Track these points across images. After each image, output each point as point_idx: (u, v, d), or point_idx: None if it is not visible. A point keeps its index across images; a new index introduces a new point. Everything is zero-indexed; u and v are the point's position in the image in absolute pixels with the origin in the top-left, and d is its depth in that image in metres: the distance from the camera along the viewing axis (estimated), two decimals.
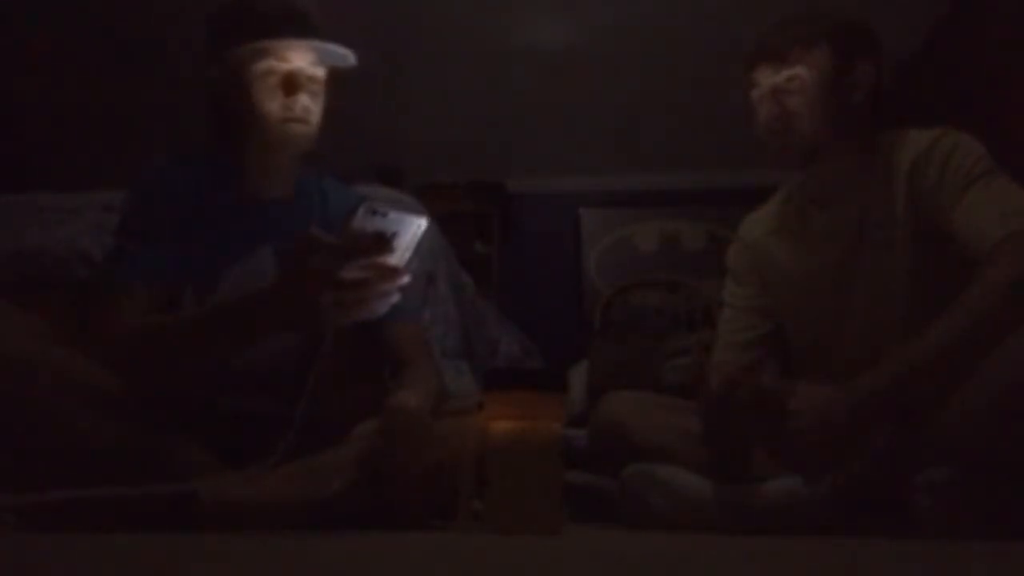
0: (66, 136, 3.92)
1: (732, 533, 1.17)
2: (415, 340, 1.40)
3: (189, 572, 0.63)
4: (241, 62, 1.25)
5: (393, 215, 1.02)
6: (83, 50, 3.48)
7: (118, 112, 3.80)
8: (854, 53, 1.36)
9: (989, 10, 2.84)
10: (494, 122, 3.91)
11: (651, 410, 1.42)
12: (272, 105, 1.26)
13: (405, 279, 1.02)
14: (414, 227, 1.02)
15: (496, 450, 1.05)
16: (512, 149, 4.16)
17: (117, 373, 1.11)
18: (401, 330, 1.36)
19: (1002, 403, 1.07)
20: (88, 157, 3.66)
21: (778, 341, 1.48)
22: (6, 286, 1.83)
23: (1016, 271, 1.13)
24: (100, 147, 3.81)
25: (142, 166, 1.33)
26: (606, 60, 3.51)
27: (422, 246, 1.08)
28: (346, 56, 1.29)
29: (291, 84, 1.26)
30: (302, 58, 1.27)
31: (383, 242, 1.00)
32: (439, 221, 2.14)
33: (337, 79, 1.34)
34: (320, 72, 1.31)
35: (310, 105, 1.29)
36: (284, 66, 1.26)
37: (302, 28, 1.27)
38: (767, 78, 1.37)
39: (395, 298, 1.03)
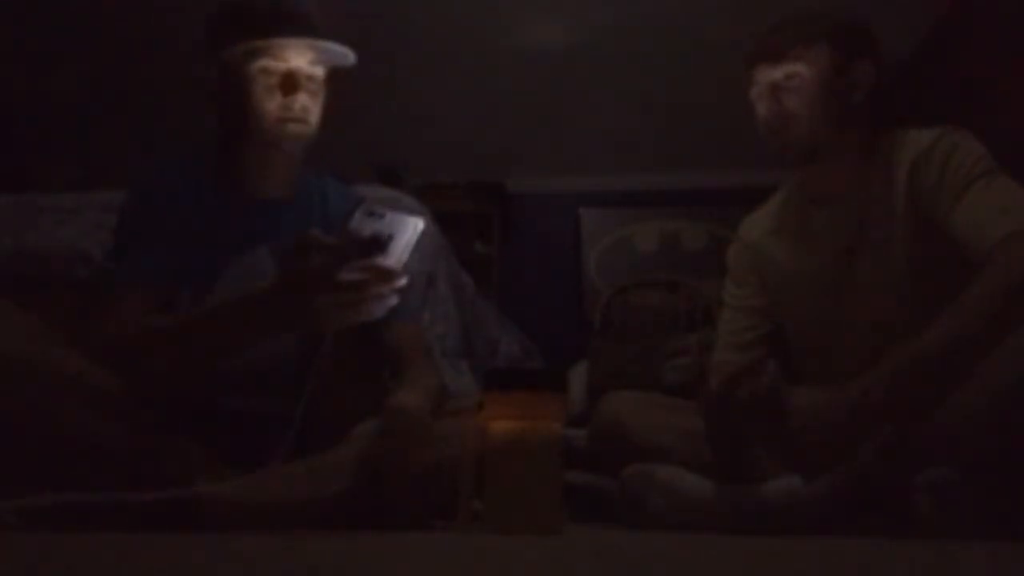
0: (66, 136, 3.92)
1: (732, 533, 1.17)
2: (415, 340, 1.40)
3: (189, 572, 0.63)
4: (239, 62, 1.25)
5: (390, 216, 1.02)
6: (83, 50, 3.48)
7: (118, 112, 3.80)
8: (854, 52, 1.36)
9: (988, 10, 2.84)
10: (494, 122, 3.91)
11: (651, 410, 1.42)
12: (270, 105, 1.26)
13: (403, 281, 1.02)
14: (411, 228, 1.02)
15: (496, 450, 1.05)
16: (512, 149, 4.16)
17: (117, 373, 1.11)
18: (401, 330, 1.36)
19: (1002, 403, 1.07)
20: (88, 157, 3.66)
21: (778, 341, 1.48)
22: (6, 286, 1.83)
23: (1016, 271, 1.14)
24: (100, 147, 3.81)
25: (142, 166, 1.33)
26: (606, 60, 3.51)
27: (422, 246, 1.08)
28: (346, 55, 1.29)
29: (289, 83, 1.26)
30: (300, 57, 1.27)
31: (380, 244, 1.00)
32: (439, 221, 2.14)
33: (337, 78, 1.34)
34: (319, 71, 1.30)
35: (309, 104, 1.29)
36: (282, 65, 1.26)
37: (300, 27, 1.26)
38: (766, 76, 1.37)
39: (393, 300, 1.03)
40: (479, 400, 1.10)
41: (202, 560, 0.71)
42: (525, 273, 4.28)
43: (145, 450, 1.09)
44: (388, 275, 1.00)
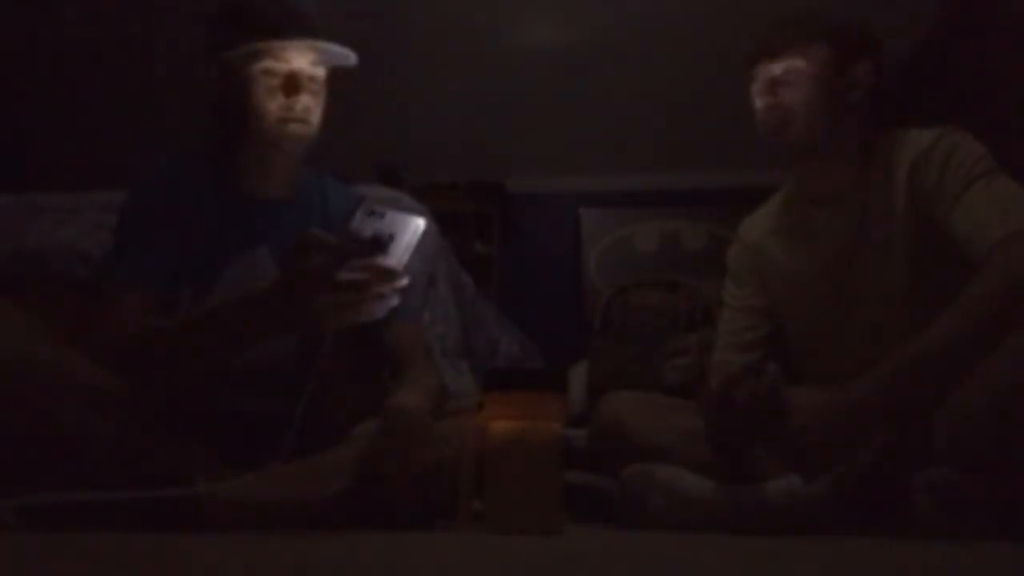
0: (66, 136, 3.92)
1: (732, 533, 1.17)
2: (415, 340, 1.40)
3: (189, 572, 0.63)
4: (241, 63, 1.25)
5: (391, 215, 1.02)
6: (83, 49, 3.48)
7: (119, 112, 3.80)
8: (853, 52, 1.37)
9: (989, 9, 2.84)
10: (494, 122, 3.91)
11: (651, 410, 1.42)
12: (272, 105, 1.26)
13: (404, 281, 1.02)
14: (412, 227, 1.01)
15: (496, 450, 1.05)
16: (512, 149, 4.15)
17: (117, 373, 1.11)
18: (401, 330, 1.36)
19: (1002, 403, 1.07)
20: (88, 157, 3.66)
21: (778, 341, 1.49)
22: (6, 286, 1.83)
23: (1016, 271, 1.14)
24: (100, 147, 3.81)
25: (142, 166, 1.33)
26: (606, 60, 3.51)
27: (422, 246, 1.07)
28: (347, 56, 1.29)
29: (291, 84, 1.26)
30: (302, 58, 1.27)
31: (381, 244, 1.00)
32: (439, 221, 2.14)
33: (337, 79, 1.34)
34: (320, 72, 1.30)
35: (311, 105, 1.29)
36: (284, 66, 1.26)
37: (302, 28, 1.26)
38: (766, 72, 1.38)
39: (393, 301, 1.03)
40: (479, 400, 1.10)
41: (202, 560, 0.71)
42: (525, 273, 4.28)
43: (145, 450, 1.09)
44: (389, 275, 1.00)
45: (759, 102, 1.39)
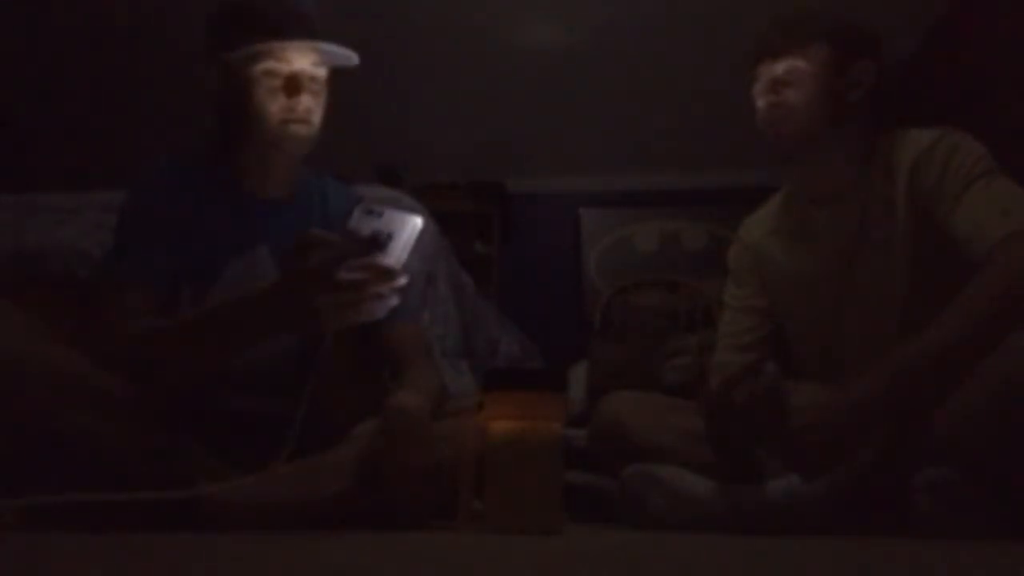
0: (66, 136, 3.92)
1: (732, 533, 1.17)
2: (415, 340, 1.40)
3: (190, 572, 0.63)
4: (243, 64, 1.25)
5: (389, 214, 1.02)
6: (83, 50, 3.48)
7: (119, 112, 3.80)
8: (854, 52, 1.37)
9: (989, 9, 2.84)
10: (494, 122, 3.91)
11: (651, 410, 1.42)
12: (274, 106, 1.26)
13: (402, 280, 1.02)
14: (410, 226, 1.01)
15: (496, 450, 1.05)
16: (512, 149, 4.16)
17: (117, 373, 1.11)
18: (401, 330, 1.36)
19: (1002, 403, 1.07)
20: (88, 157, 3.66)
21: (778, 341, 1.49)
22: (6, 286, 1.83)
23: (1016, 271, 1.14)
24: (100, 147, 3.81)
25: (142, 166, 1.33)
26: (606, 60, 3.51)
27: (421, 246, 1.07)
28: (349, 57, 1.29)
29: (293, 85, 1.26)
30: (304, 59, 1.27)
31: (379, 242, 1.00)
32: (439, 221, 2.14)
33: (337, 79, 1.34)
34: (322, 72, 1.30)
35: (312, 106, 1.29)
36: (286, 67, 1.26)
37: (303, 29, 1.26)
38: (767, 72, 1.38)
39: (393, 301, 1.03)
40: (479, 400, 1.10)
41: (202, 560, 0.71)
42: (525, 273, 4.28)
43: (145, 450, 1.09)
44: (388, 274, 1.00)
45: (760, 101, 1.40)
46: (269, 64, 1.25)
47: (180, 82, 2.29)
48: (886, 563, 0.77)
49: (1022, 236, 1.16)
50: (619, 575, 0.65)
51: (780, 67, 1.37)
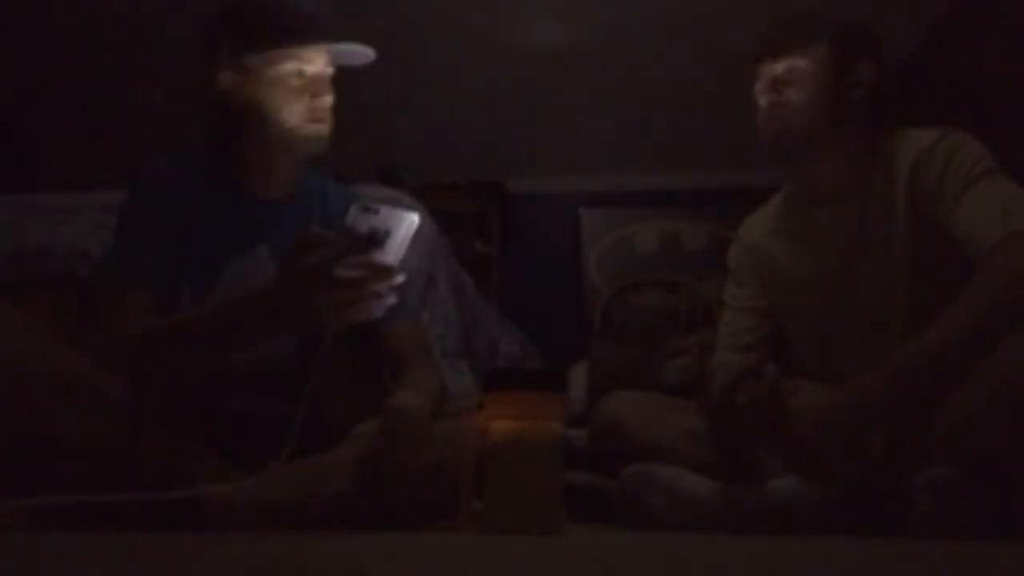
0: (66, 136, 3.92)
1: (732, 533, 1.17)
2: (415, 340, 1.40)
3: (190, 572, 0.63)
4: (264, 67, 1.26)
5: (386, 211, 1.02)
6: (84, 50, 3.48)
7: (119, 112, 3.80)
8: (855, 51, 1.37)
9: (989, 10, 2.84)
10: (494, 122, 3.91)
11: (651, 410, 1.42)
12: (298, 107, 1.28)
13: (400, 278, 1.02)
14: (407, 223, 1.01)
15: (496, 450, 1.05)
16: (512, 149, 4.15)
17: (117, 373, 1.11)
18: (401, 330, 1.36)
19: (1002, 403, 1.07)
20: (88, 157, 3.66)
21: (778, 341, 1.49)
22: (6, 286, 1.83)
23: (1016, 271, 1.14)
24: (100, 147, 3.81)
25: (141, 166, 1.33)
26: (606, 60, 3.51)
27: (421, 246, 1.07)
28: (365, 55, 1.31)
29: (317, 86, 1.29)
30: (322, 59, 1.29)
31: (377, 240, 1.00)
32: (439, 221, 2.14)
33: (337, 79, 1.34)
34: (330, 71, 1.32)
35: (330, 105, 1.31)
36: (309, 68, 1.28)
37: (321, 30, 1.28)
38: (769, 71, 1.38)
39: (391, 300, 1.03)
40: (479, 400, 1.10)
41: (202, 560, 0.71)
42: (525, 273, 4.27)
43: (146, 450, 1.09)
44: (386, 272, 1.00)
45: (762, 100, 1.40)
46: (292, 66, 1.27)
47: (180, 82, 2.29)
48: (886, 563, 0.77)
49: (1022, 236, 1.16)
50: (619, 575, 0.65)
51: (781, 66, 1.37)
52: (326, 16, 1.32)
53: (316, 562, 0.70)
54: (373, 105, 3.37)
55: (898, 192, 1.33)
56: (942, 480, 1.10)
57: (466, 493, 1.09)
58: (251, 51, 1.26)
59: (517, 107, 3.82)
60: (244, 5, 1.30)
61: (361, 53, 1.31)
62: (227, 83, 1.28)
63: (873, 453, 1.18)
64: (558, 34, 3.40)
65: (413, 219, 1.02)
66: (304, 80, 1.28)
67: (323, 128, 1.30)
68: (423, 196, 2.36)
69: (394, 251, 1.01)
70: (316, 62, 1.29)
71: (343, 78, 1.35)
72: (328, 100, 1.30)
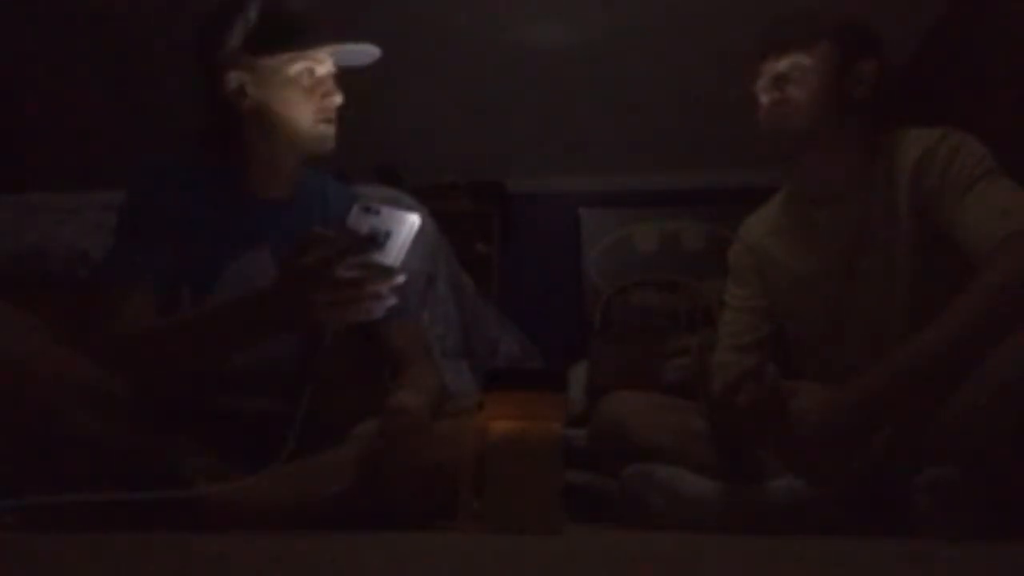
0: (66, 136, 3.92)
1: (732, 533, 1.17)
2: (415, 340, 1.40)
3: (190, 572, 0.63)
4: (274, 68, 1.26)
5: (387, 212, 1.02)
6: (83, 49, 3.48)
7: (119, 112, 3.79)
8: (857, 50, 1.37)
9: (989, 10, 2.84)
10: (494, 122, 3.91)
11: (651, 410, 1.42)
12: (309, 107, 1.28)
13: (400, 278, 1.02)
14: (408, 224, 1.01)
15: (496, 450, 1.05)
16: (512, 149, 4.15)
17: (117, 373, 1.11)
18: (401, 330, 1.36)
19: (1002, 403, 1.07)
20: (88, 157, 3.66)
21: (779, 341, 1.49)
22: (6, 286, 1.83)
23: (1016, 271, 1.14)
24: (100, 147, 3.81)
25: (141, 165, 1.33)
26: (606, 60, 3.51)
27: (421, 246, 1.07)
28: (373, 53, 1.33)
29: (329, 86, 1.30)
30: (330, 60, 1.30)
31: (377, 240, 1.00)
32: (439, 221, 2.14)
33: (337, 78, 1.34)
34: (334, 70, 1.32)
35: (338, 105, 1.32)
36: (319, 69, 1.29)
37: (333, 31, 1.29)
38: (771, 69, 1.39)
39: (391, 300, 1.03)
40: (479, 400, 1.10)
41: (202, 560, 0.71)
42: (525, 273, 4.28)
43: (146, 450, 1.09)
44: (386, 272, 1.00)
45: (764, 98, 1.40)
46: (302, 66, 1.27)
47: (180, 82, 2.29)
48: (886, 563, 0.77)
49: (1022, 236, 1.16)
50: (619, 575, 0.65)
51: (784, 64, 1.37)
52: (329, 15, 1.32)
53: (316, 562, 0.70)
54: (373, 105, 3.37)
55: (899, 192, 1.33)
56: (942, 480, 1.10)
57: (466, 493, 1.09)
58: (262, 53, 1.26)
59: (517, 107, 3.82)
60: (252, 6, 1.30)
61: (368, 52, 1.32)
62: (235, 84, 1.28)
63: (873, 453, 1.18)
64: (558, 34, 3.40)
65: (414, 220, 1.02)
66: (314, 80, 1.28)
67: (332, 128, 1.31)
68: (423, 196, 2.36)
69: (395, 252, 1.01)
70: (325, 62, 1.30)
71: (344, 78, 1.35)
72: (337, 100, 1.31)
